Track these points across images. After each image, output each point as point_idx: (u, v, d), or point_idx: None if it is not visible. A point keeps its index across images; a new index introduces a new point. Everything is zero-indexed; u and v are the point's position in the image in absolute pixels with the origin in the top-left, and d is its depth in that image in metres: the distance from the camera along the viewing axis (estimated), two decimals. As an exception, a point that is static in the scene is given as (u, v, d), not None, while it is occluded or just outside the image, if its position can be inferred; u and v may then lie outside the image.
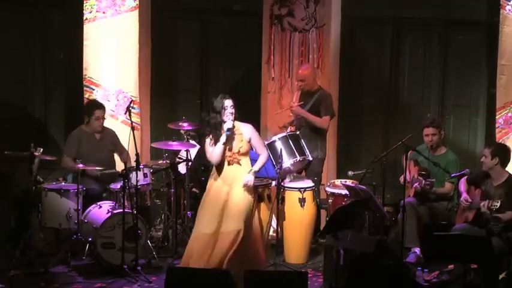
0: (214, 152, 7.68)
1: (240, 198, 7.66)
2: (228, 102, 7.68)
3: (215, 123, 7.69)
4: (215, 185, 7.76)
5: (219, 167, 7.75)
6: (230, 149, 7.70)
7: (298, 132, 8.90)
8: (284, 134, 8.76)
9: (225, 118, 7.65)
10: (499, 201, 7.53)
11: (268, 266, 8.00)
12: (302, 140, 8.84)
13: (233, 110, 7.68)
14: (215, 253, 7.57)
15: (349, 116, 10.31)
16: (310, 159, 8.87)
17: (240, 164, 7.72)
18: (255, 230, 7.79)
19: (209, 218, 7.67)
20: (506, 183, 7.82)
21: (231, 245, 7.54)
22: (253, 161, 7.91)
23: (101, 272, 8.04)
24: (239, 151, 7.70)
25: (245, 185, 7.66)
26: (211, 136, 7.71)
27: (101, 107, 8.89)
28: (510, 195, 7.69)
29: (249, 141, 7.76)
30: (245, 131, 7.77)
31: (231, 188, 7.69)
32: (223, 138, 7.62)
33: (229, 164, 7.72)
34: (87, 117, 8.86)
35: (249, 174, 7.70)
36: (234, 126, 7.66)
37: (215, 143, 7.67)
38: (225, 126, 7.62)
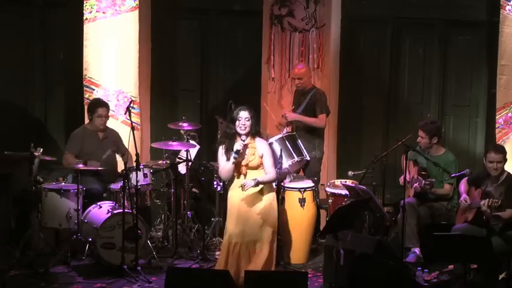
0: (223, 169, 7.62)
1: (253, 208, 7.59)
2: (243, 114, 7.58)
3: (228, 134, 7.63)
4: (231, 194, 7.71)
5: (233, 178, 7.70)
6: (241, 161, 7.60)
7: (295, 133, 8.89)
8: (281, 136, 8.74)
9: (238, 129, 7.57)
10: (500, 200, 7.54)
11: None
12: (299, 140, 8.83)
13: (247, 123, 7.56)
14: (244, 262, 7.54)
15: (349, 116, 10.31)
16: (308, 158, 8.86)
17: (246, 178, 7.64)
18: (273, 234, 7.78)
19: (231, 227, 7.61)
20: (506, 182, 7.83)
21: (254, 254, 7.54)
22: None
23: (101, 272, 8.04)
24: (247, 164, 7.60)
25: (241, 186, 7.53)
26: (224, 146, 7.63)
27: (103, 105, 8.90)
28: (510, 193, 7.71)
29: (261, 157, 7.65)
30: (259, 146, 7.66)
31: (242, 199, 7.60)
32: (231, 159, 7.53)
33: (238, 176, 7.66)
34: (90, 115, 8.88)
35: (251, 180, 7.55)
36: (244, 147, 7.55)
37: (226, 152, 7.59)
38: (235, 147, 7.53)
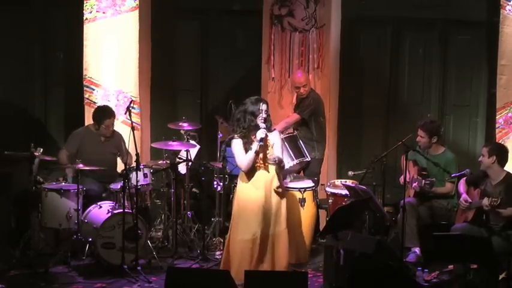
0: (245, 159, 7.53)
1: (278, 200, 7.59)
2: (264, 107, 7.55)
3: (249, 127, 7.54)
4: (246, 190, 7.62)
5: (247, 172, 7.62)
6: (258, 154, 7.55)
7: (295, 133, 8.89)
8: (282, 137, 8.72)
9: (258, 122, 7.52)
10: (499, 198, 7.56)
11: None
12: (300, 141, 8.83)
13: (266, 115, 7.54)
14: (270, 255, 7.55)
15: (349, 116, 10.31)
16: (309, 159, 8.86)
17: (268, 171, 7.59)
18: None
19: (245, 224, 7.55)
20: (505, 181, 7.85)
21: (285, 244, 7.56)
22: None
23: (101, 272, 8.05)
24: (266, 156, 7.59)
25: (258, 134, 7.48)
26: (243, 139, 7.56)
27: (111, 116, 8.84)
28: (509, 192, 7.72)
29: (272, 147, 7.62)
30: (272, 137, 7.64)
31: (265, 192, 7.55)
32: (255, 147, 7.47)
33: (257, 169, 7.60)
34: (97, 124, 8.83)
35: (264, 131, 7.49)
36: (267, 135, 7.52)
37: (245, 145, 7.53)
38: (258, 135, 7.47)
